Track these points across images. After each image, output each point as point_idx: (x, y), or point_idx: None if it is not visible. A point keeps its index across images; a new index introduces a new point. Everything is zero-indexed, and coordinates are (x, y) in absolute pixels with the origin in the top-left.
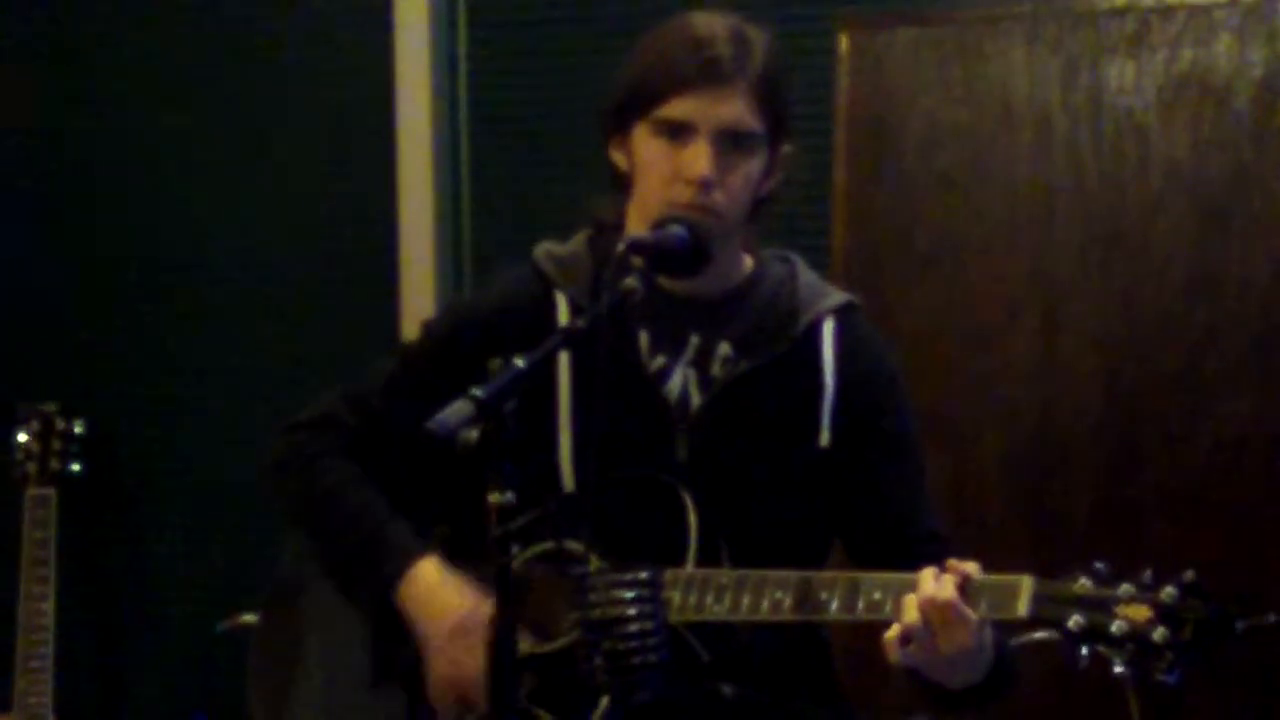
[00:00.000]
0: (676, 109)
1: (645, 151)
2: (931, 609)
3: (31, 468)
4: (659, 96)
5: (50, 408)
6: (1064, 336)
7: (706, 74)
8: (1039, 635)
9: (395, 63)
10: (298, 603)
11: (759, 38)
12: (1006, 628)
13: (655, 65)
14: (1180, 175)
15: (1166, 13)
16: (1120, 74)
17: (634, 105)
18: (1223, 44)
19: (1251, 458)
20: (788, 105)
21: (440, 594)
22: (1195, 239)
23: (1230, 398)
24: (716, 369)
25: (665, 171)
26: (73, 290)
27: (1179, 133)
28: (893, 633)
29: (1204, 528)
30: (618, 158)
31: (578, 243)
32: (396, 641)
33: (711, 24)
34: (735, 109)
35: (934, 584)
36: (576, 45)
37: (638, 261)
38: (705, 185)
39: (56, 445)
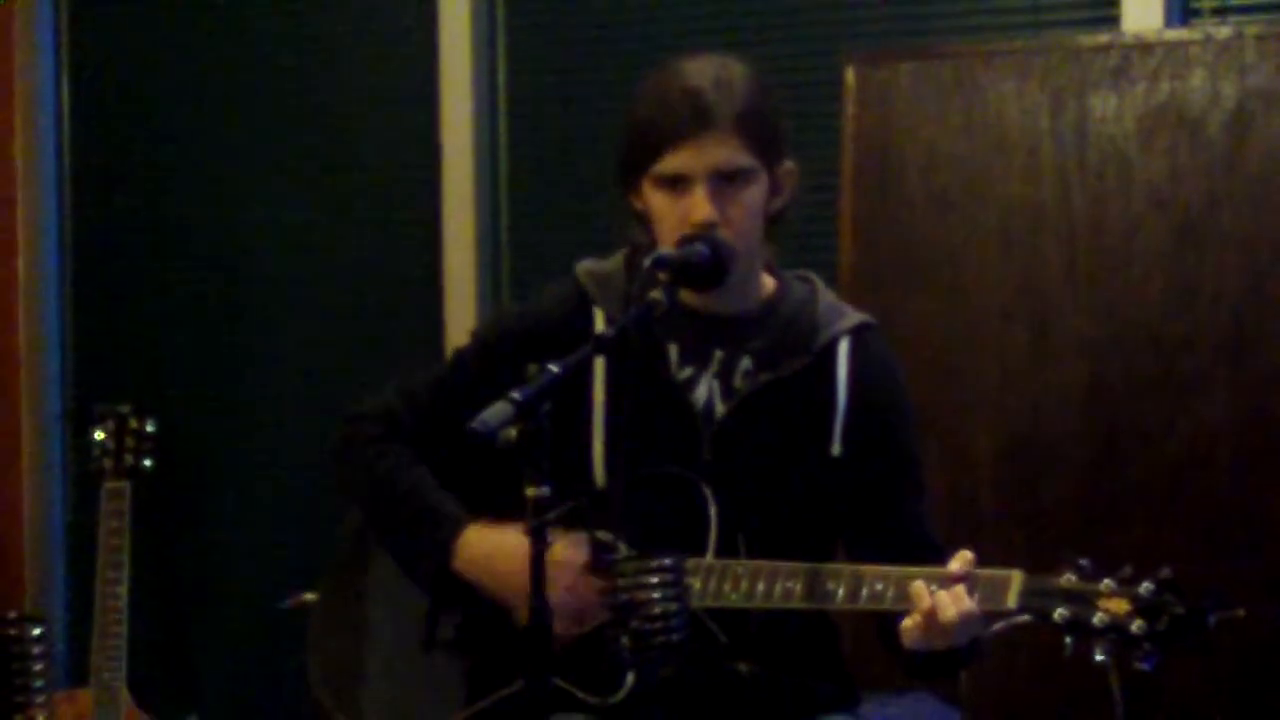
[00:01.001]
0: (670, 164)
1: (653, 203)
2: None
3: (108, 463)
4: (654, 154)
5: (124, 408)
6: (1051, 344)
7: (693, 124)
8: (1022, 619)
9: (440, 82)
10: (356, 578)
11: (739, 74)
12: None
13: (648, 122)
14: (1158, 198)
15: (1146, 49)
16: (1103, 105)
17: (636, 163)
18: (1197, 78)
19: (1223, 456)
20: (777, 128)
21: (502, 545)
22: (1172, 256)
23: (1203, 401)
24: (738, 381)
25: (672, 221)
26: (145, 302)
27: (1157, 159)
28: (910, 622)
29: (1179, 520)
30: (635, 203)
31: (616, 261)
32: (453, 609)
33: (696, 71)
34: (723, 151)
35: (951, 600)
36: (615, 63)
37: (664, 276)
38: (709, 227)
39: (130, 443)
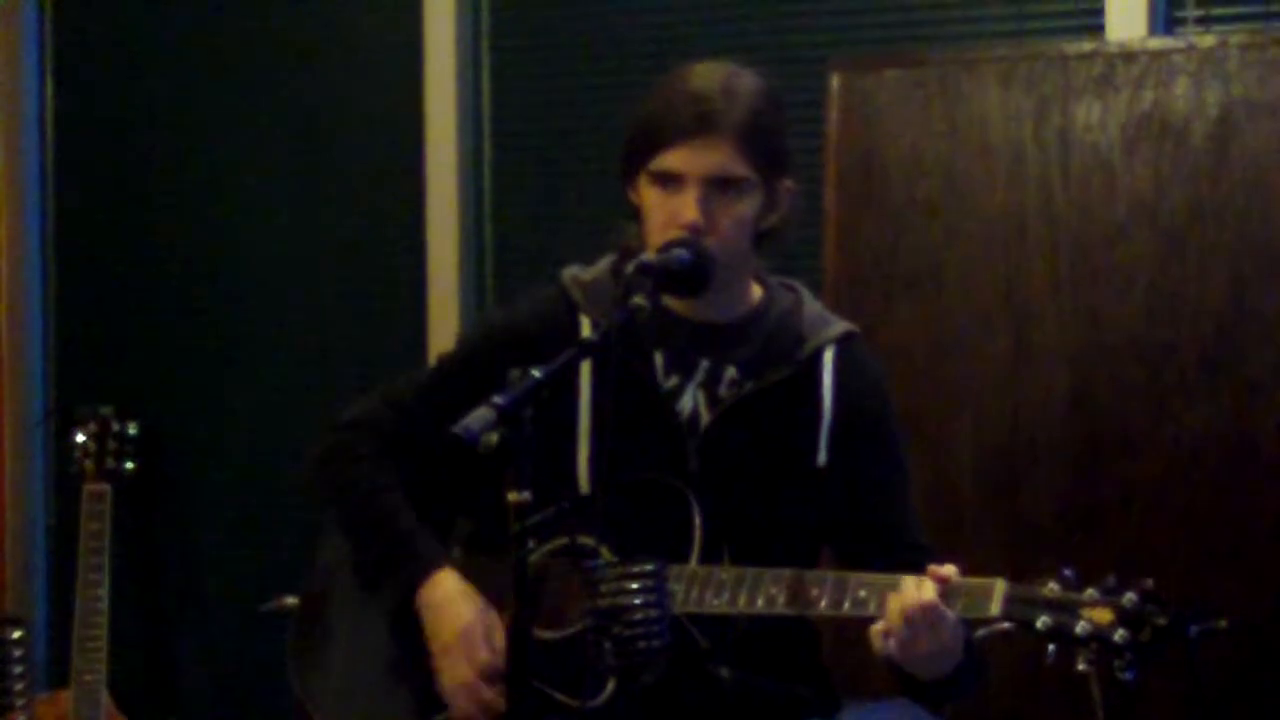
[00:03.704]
0: (667, 160)
1: (646, 199)
2: (915, 610)
3: (89, 466)
4: (653, 149)
5: (106, 411)
6: (1034, 351)
7: (694, 126)
8: (1005, 625)
9: (424, 88)
10: (332, 586)
11: (749, 86)
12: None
13: (652, 118)
14: (1142, 206)
15: (1130, 57)
16: (1087, 113)
17: (635, 157)
18: (1181, 87)
19: (1204, 463)
20: (780, 145)
21: (454, 603)
22: (1155, 264)
23: (1186, 408)
24: (724, 390)
25: (661, 218)
26: (128, 304)
27: (1141, 167)
28: (878, 628)
29: (1160, 529)
30: (633, 197)
31: (602, 268)
32: (416, 633)
33: (706, 76)
34: (721, 157)
35: (916, 589)
36: (599, 69)
37: (646, 282)
38: (694, 230)
39: (112, 445)
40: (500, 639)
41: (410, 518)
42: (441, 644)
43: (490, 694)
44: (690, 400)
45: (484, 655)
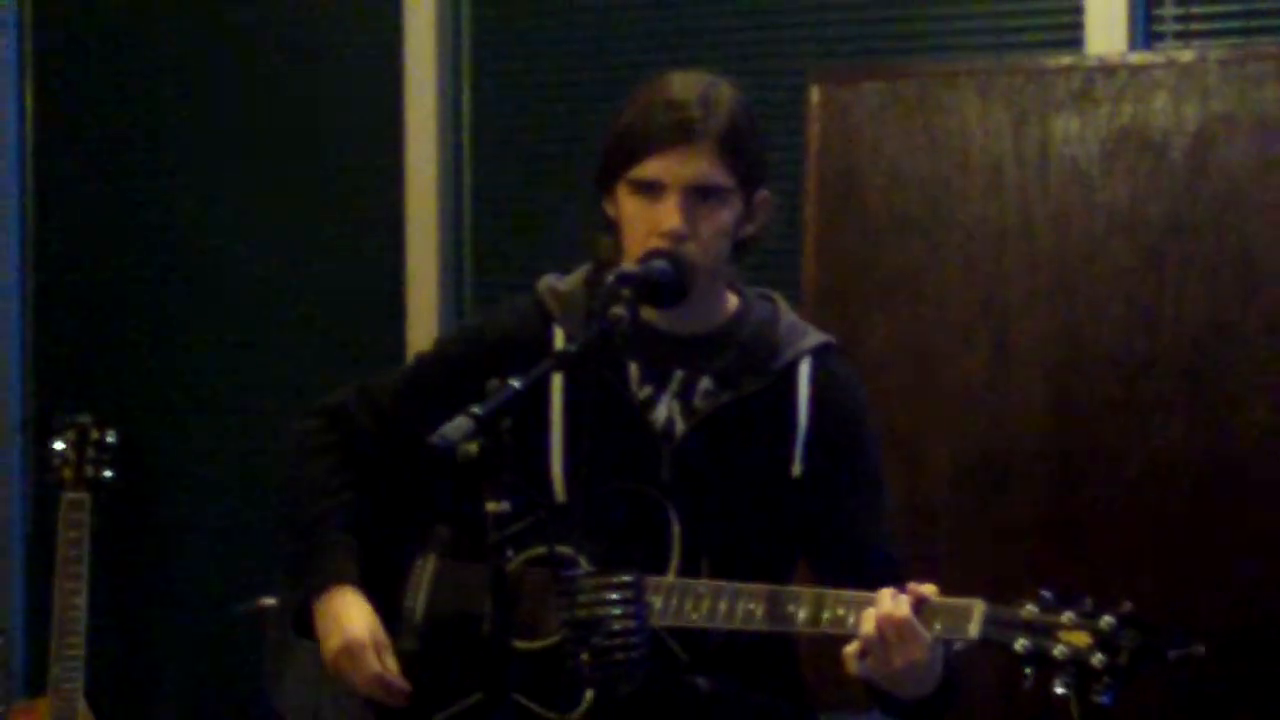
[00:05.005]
0: (648, 169)
1: (625, 208)
2: (888, 625)
3: (67, 474)
4: (633, 158)
5: (85, 419)
6: (1012, 364)
7: (675, 135)
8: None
9: (404, 94)
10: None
11: (727, 96)
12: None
13: (631, 128)
14: (1120, 220)
15: (1109, 72)
16: (1066, 127)
17: (614, 166)
18: (1160, 101)
19: (1182, 477)
20: (758, 155)
21: (343, 616)
22: (1133, 278)
23: (1164, 423)
24: (699, 400)
25: (642, 227)
26: (106, 312)
27: (1119, 181)
28: (852, 648)
29: (1137, 541)
30: (609, 209)
31: (577, 279)
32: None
33: (684, 85)
34: (701, 166)
35: (891, 602)
36: (580, 75)
37: (625, 293)
38: (677, 238)
39: (91, 454)
40: (390, 660)
41: (338, 530)
42: (331, 652)
43: (399, 683)
44: (665, 411)
45: (374, 667)
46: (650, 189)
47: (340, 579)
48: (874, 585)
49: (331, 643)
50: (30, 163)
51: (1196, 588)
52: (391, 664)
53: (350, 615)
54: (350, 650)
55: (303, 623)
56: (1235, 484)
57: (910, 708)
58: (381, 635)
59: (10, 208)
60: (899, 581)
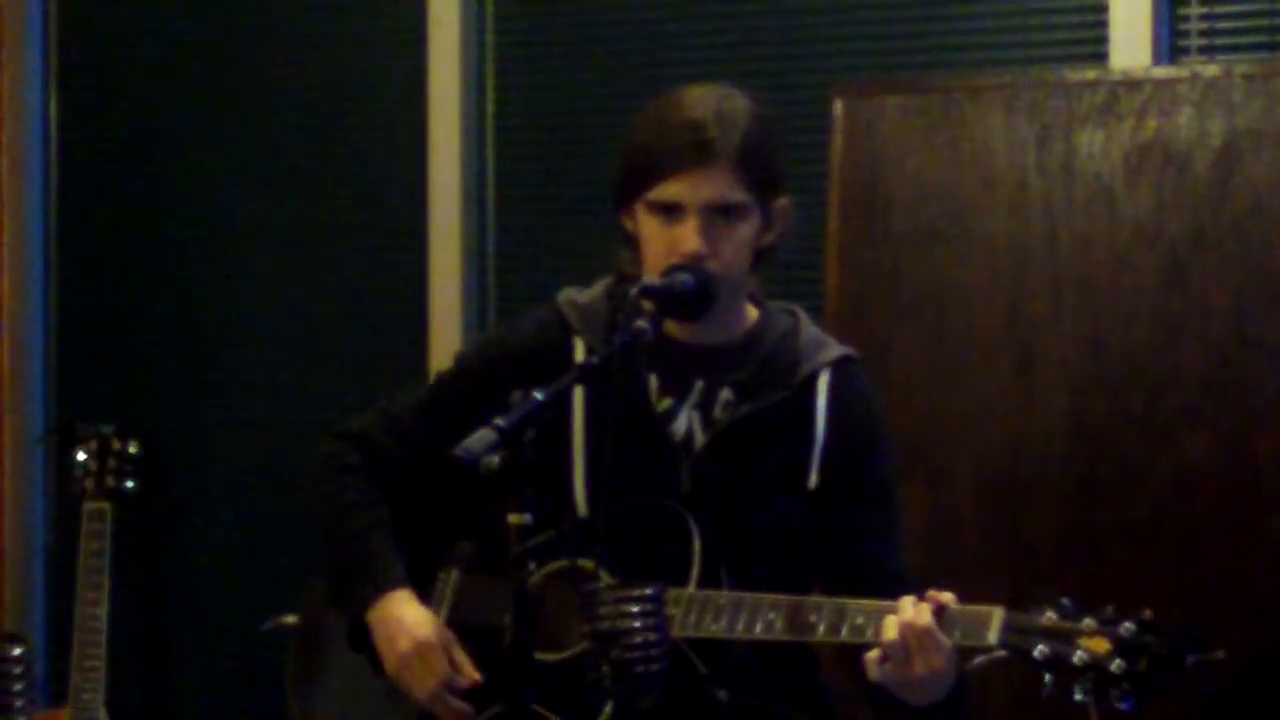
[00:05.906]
0: (666, 191)
1: (645, 228)
2: (910, 633)
3: (89, 484)
4: (651, 179)
5: (107, 430)
6: (1036, 378)
7: (692, 157)
8: (1001, 653)
9: (428, 106)
10: (328, 608)
11: (742, 108)
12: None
13: (647, 148)
14: (1144, 234)
15: (1133, 86)
16: (1090, 141)
17: (631, 186)
18: (1184, 115)
19: (1205, 491)
20: (775, 166)
21: (406, 619)
22: (1157, 293)
23: (1187, 439)
24: (718, 412)
25: (661, 248)
26: (130, 322)
27: (1143, 195)
28: (874, 653)
29: (1160, 557)
30: (628, 223)
31: (598, 291)
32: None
33: (699, 102)
34: (719, 186)
35: (913, 610)
36: (602, 88)
37: (649, 305)
38: (698, 258)
39: (113, 464)
40: (460, 654)
41: (381, 539)
42: (397, 658)
43: (459, 703)
44: (685, 422)
45: (445, 667)
46: (669, 210)
47: (393, 584)
48: (883, 598)
49: (399, 646)
50: (55, 173)
51: (1220, 602)
52: (463, 659)
53: (413, 618)
54: (420, 652)
55: (357, 637)
56: (1260, 499)
57: (921, 713)
58: (447, 633)
59: (34, 218)
60: (910, 593)
